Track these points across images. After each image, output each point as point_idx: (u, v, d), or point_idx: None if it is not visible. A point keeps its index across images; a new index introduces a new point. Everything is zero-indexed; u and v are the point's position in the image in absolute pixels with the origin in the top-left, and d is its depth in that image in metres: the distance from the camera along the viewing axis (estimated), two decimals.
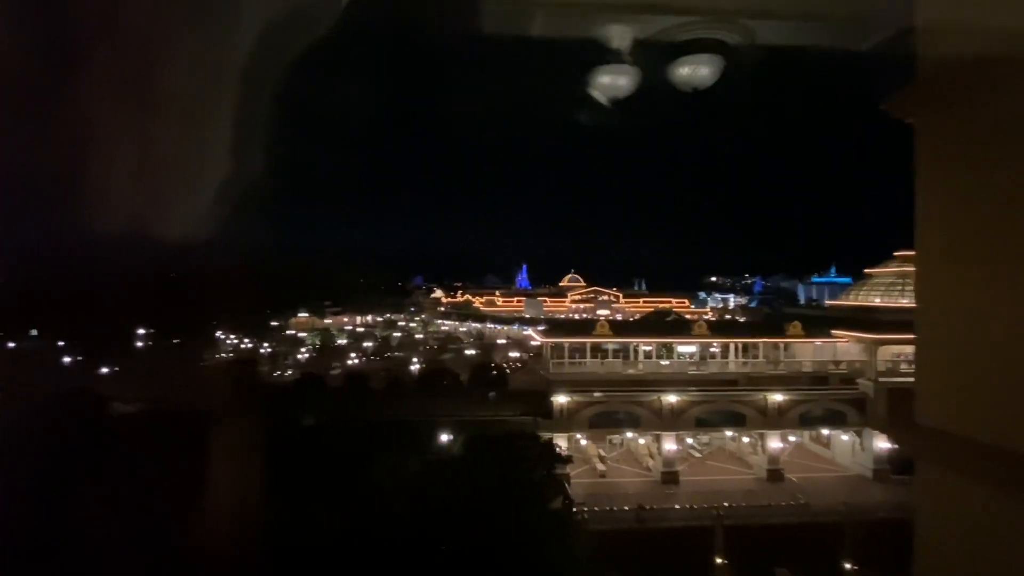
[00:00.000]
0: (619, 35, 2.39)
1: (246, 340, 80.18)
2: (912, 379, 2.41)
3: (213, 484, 13.19)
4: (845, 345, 37.89)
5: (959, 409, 2.09)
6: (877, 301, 41.04)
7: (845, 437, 35.90)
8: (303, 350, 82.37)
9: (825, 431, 36.75)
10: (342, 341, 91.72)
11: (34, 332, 59.46)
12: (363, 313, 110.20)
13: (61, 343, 57.74)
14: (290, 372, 63.10)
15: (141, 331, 67.31)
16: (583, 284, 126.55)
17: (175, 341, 68.14)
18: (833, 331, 37.68)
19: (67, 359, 54.32)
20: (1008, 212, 1.91)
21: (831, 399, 34.99)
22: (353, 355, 78.30)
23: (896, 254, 41.96)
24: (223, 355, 71.56)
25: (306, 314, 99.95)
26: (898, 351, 34.82)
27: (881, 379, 34.07)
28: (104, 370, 47.95)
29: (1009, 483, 1.86)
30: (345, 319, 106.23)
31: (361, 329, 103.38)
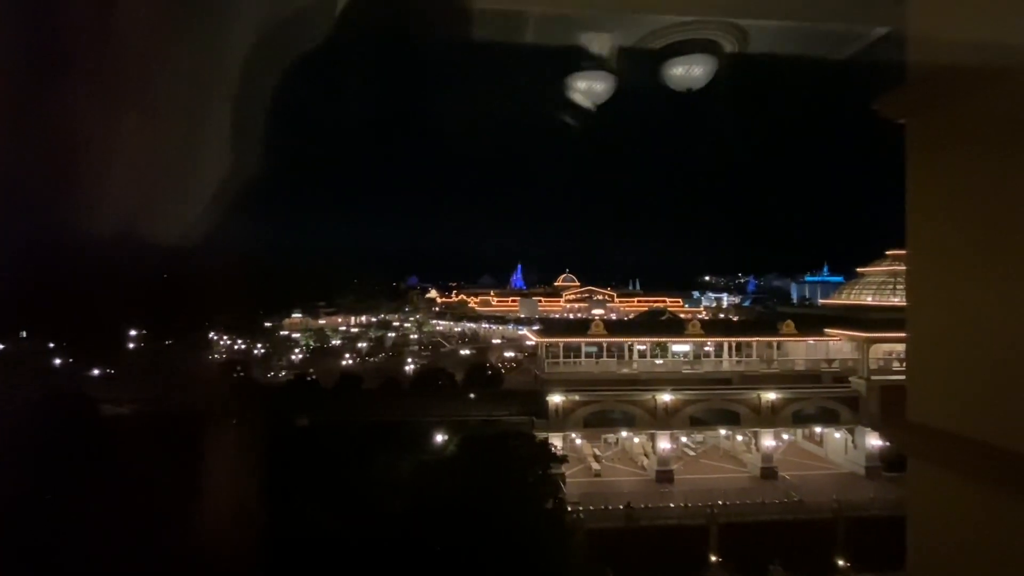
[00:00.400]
0: (613, 38, 2.39)
1: (240, 341, 79.72)
2: (904, 377, 2.43)
3: (205, 486, 13.10)
4: (838, 343, 38.20)
5: (951, 406, 2.11)
6: (869, 300, 41.42)
7: (838, 435, 36.18)
8: (297, 351, 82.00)
9: (818, 429, 37.00)
10: (336, 342, 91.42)
11: (24, 334, 58.81)
12: (357, 314, 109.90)
13: (52, 345, 57.15)
14: (284, 373, 62.81)
15: (133, 332, 66.76)
16: (578, 284, 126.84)
17: (168, 343, 67.60)
18: (826, 329, 37.97)
19: (58, 361, 53.77)
20: (999, 211, 1.93)
21: (824, 397, 35.25)
22: (347, 356, 78.05)
23: (888, 253, 42.35)
24: (216, 356, 71.10)
25: (300, 315, 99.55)
26: (890, 349, 35.14)
27: (873, 377, 34.36)
28: (95, 372, 47.49)
29: (1001, 480, 1.88)
30: (339, 320, 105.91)
31: (355, 330, 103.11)
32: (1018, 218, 1.85)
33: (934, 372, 2.24)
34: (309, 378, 45.47)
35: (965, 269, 2.07)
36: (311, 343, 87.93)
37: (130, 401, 29.50)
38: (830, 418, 35.24)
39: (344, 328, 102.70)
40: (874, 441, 33.27)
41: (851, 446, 35.40)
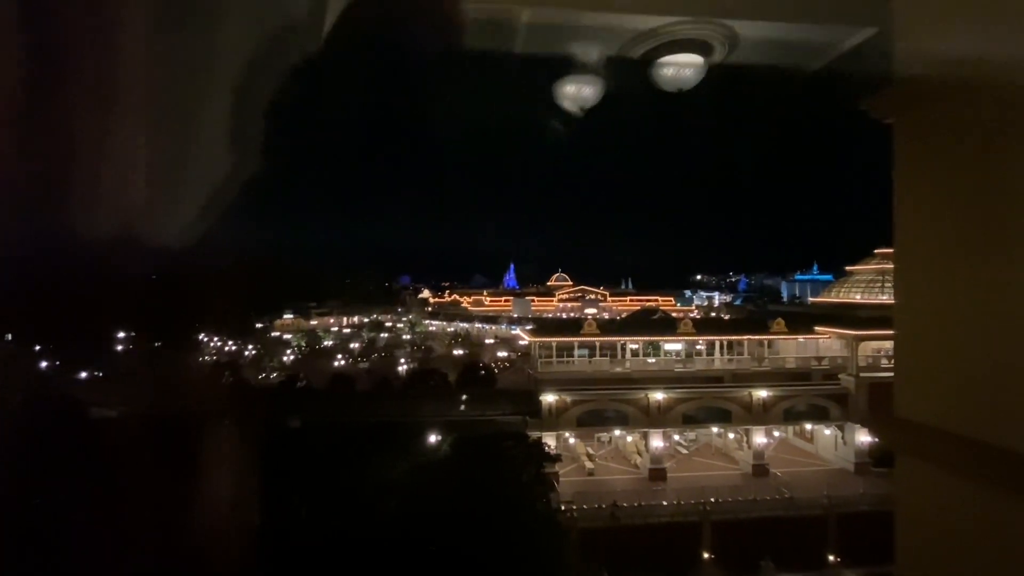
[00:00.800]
0: (602, 40, 2.40)
1: (230, 343, 79.01)
2: (891, 373, 2.46)
3: (196, 489, 12.98)
4: (827, 341, 38.59)
5: (937, 402, 2.14)
6: (858, 298, 41.89)
7: (828, 431, 36.56)
8: (288, 352, 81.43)
9: (808, 426, 37.37)
10: (328, 343, 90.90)
11: (9, 337, 57.86)
12: (349, 314, 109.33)
13: (38, 348, 56.27)
14: (275, 375, 62.33)
15: (122, 335, 65.90)
16: (570, 283, 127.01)
17: (157, 345, 66.78)
18: (815, 328, 38.34)
19: (44, 364, 52.99)
20: (986, 210, 1.95)
21: (814, 394, 35.60)
22: (340, 356, 77.64)
23: (876, 251, 42.84)
24: (207, 358, 70.41)
25: (291, 316, 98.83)
26: (878, 346, 35.56)
27: (862, 374, 34.76)
28: (83, 375, 46.84)
29: (987, 475, 1.91)
30: (331, 320, 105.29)
31: (348, 330, 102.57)
32: (1004, 217, 1.87)
33: (921, 369, 2.27)
34: (301, 380, 45.17)
35: (951, 268, 2.09)
36: (303, 344, 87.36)
37: (119, 404, 29.12)
38: (820, 415, 35.60)
39: (336, 329, 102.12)
40: (863, 437, 33.65)
41: (841, 442, 35.78)
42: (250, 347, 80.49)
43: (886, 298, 38.18)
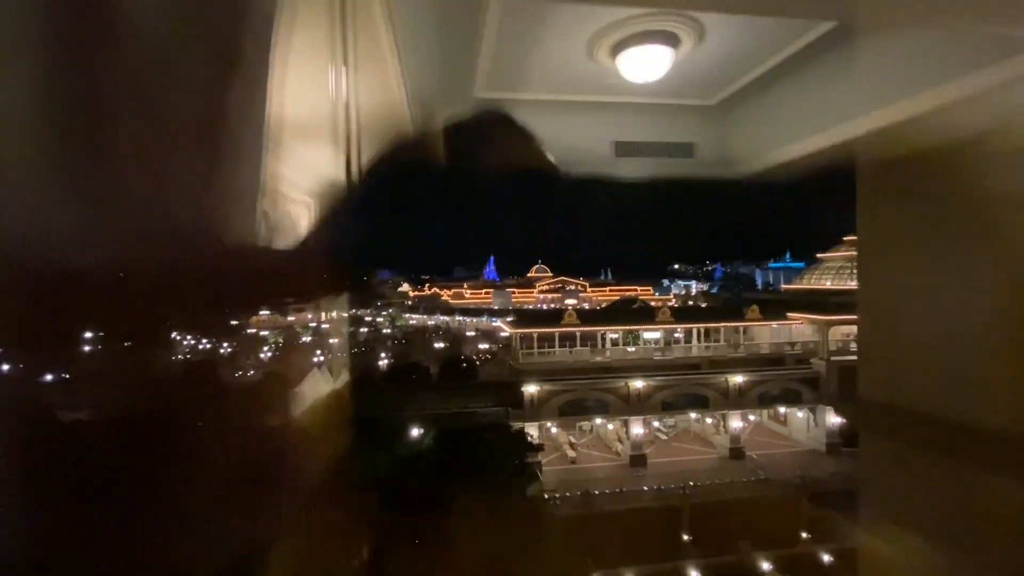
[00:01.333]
0: (571, 31, 2.40)
1: (204, 341, 77.20)
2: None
3: (173, 489, 12.70)
4: (800, 327, 39.69)
5: (898, 383, 2.24)
6: (828, 284, 43.09)
7: (800, 414, 37.71)
8: (265, 348, 79.97)
9: (782, 409, 38.47)
10: (307, 339, 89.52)
11: None
12: (328, 309, 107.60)
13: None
14: (251, 372, 61.17)
15: (89, 335, 63.76)
16: (550, 275, 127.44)
17: (127, 344, 64.84)
18: (788, 314, 39.35)
19: (5, 367, 51.01)
20: (942, 200, 2.04)
21: (787, 379, 36.63)
22: (318, 352, 76.55)
23: (845, 239, 44.03)
24: (180, 356, 68.63)
25: (267, 312, 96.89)
26: (848, 331, 36.70)
27: (832, 358, 35.88)
28: (48, 377, 45.26)
29: (944, 449, 2.01)
30: (309, 316, 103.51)
31: (326, 326, 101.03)
32: (960, 207, 1.96)
33: (882, 351, 2.37)
34: (279, 376, 44.38)
35: (911, 255, 2.18)
36: (280, 341, 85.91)
37: (88, 405, 28.23)
38: (793, 398, 36.68)
39: (314, 325, 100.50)
40: (834, 419, 34.81)
41: (813, 424, 36.96)
42: (225, 345, 78.77)
43: (854, 284, 39.31)
